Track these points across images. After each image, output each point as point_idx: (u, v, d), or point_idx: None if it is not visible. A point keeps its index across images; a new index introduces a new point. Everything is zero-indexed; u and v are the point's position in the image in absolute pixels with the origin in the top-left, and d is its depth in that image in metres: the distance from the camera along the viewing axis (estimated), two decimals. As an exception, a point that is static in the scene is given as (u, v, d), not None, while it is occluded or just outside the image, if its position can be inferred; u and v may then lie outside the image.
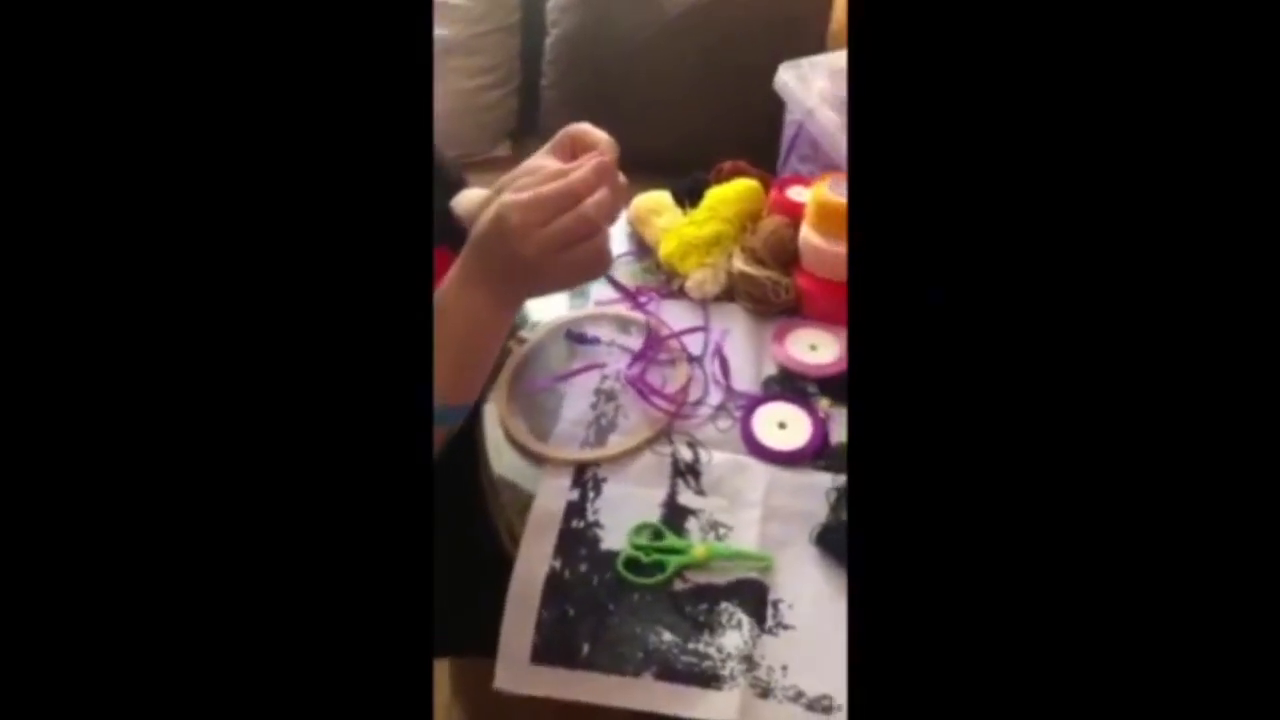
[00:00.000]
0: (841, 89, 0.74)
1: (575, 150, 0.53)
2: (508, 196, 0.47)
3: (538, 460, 0.58)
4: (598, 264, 0.50)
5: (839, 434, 0.59)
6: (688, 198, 0.75)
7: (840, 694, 0.46)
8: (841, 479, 0.56)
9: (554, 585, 0.51)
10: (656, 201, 0.74)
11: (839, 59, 0.78)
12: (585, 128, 0.53)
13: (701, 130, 1.23)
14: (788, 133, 0.79)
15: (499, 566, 0.53)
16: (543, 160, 0.53)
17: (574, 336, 0.66)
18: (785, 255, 0.68)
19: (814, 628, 0.49)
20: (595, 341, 0.66)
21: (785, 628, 0.49)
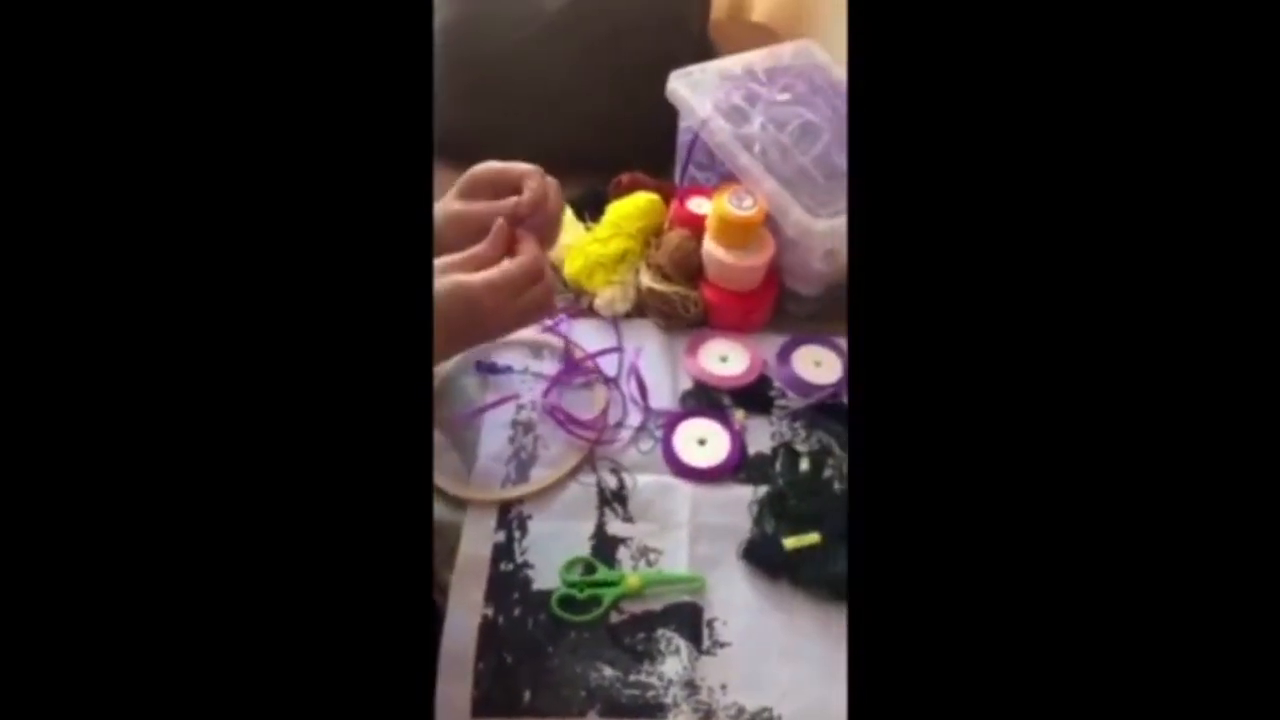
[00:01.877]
0: (734, 96, 0.75)
1: (496, 187, 0.51)
2: (469, 278, 0.45)
3: (458, 504, 0.56)
4: (546, 308, 0.50)
5: (755, 445, 0.61)
6: (588, 211, 0.74)
7: (779, 705, 0.48)
8: (761, 490, 0.58)
9: (488, 634, 0.50)
10: (557, 218, 0.73)
11: (728, 64, 0.79)
12: (498, 167, 0.51)
13: (589, 127, 1.21)
14: (683, 139, 0.79)
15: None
16: (459, 206, 0.50)
17: (484, 367, 0.65)
18: (690, 269, 0.69)
19: (748, 643, 0.51)
20: (507, 370, 0.65)
21: (722, 645, 0.51)
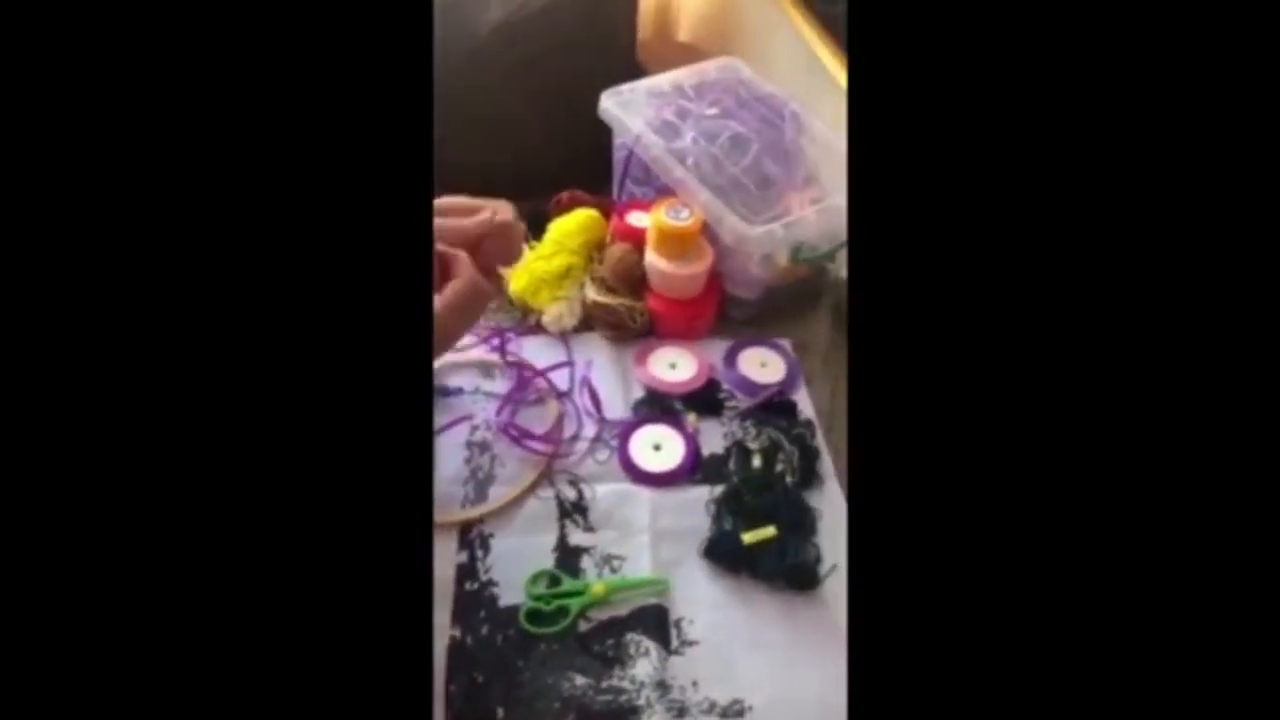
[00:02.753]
0: (665, 112, 0.77)
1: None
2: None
3: (419, 527, 0.56)
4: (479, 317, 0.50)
5: (708, 446, 0.63)
6: (530, 230, 0.75)
7: (750, 695, 0.49)
8: (718, 489, 0.59)
9: (457, 655, 0.50)
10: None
11: (657, 83, 0.82)
12: (461, 202, 0.51)
13: (524, 146, 1.22)
14: (618, 156, 0.81)
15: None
16: None
17: (435, 390, 0.65)
18: (634, 280, 0.71)
19: (715, 638, 0.52)
20: (459, 392, 0.65)
21: (689, 644, 0.52)
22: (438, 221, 0.50)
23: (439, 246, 0.48)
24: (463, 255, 0.48)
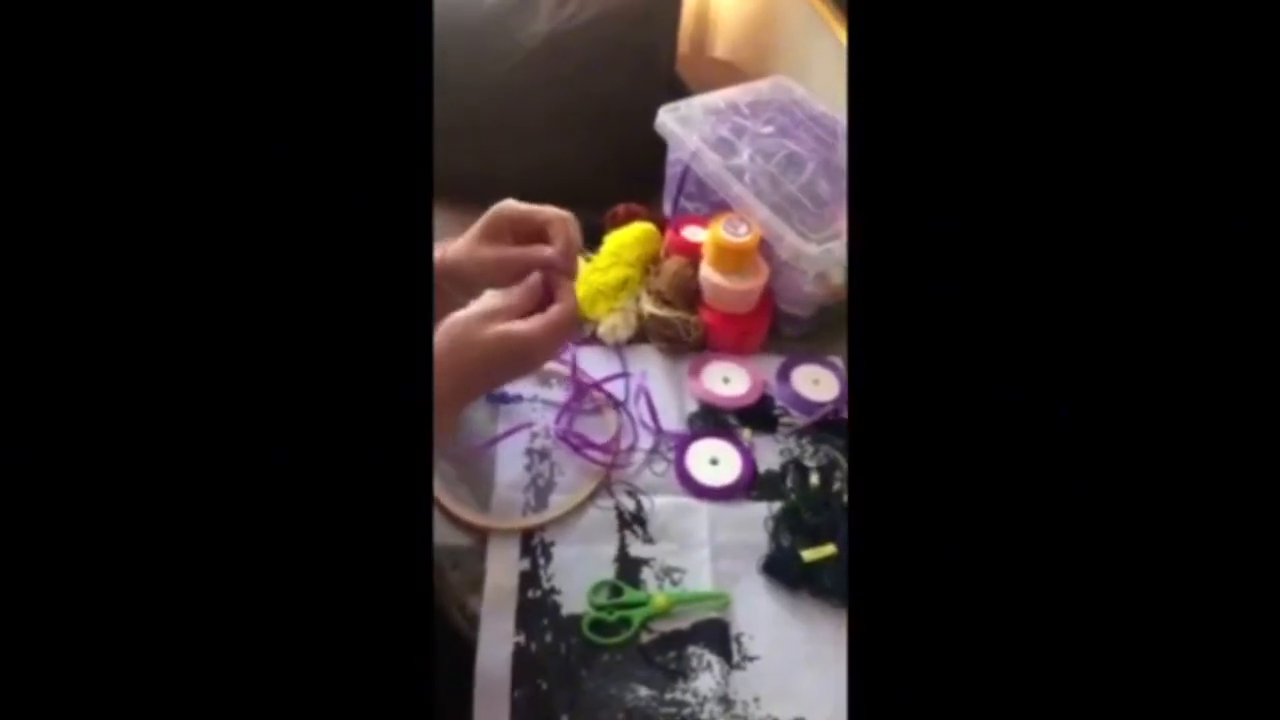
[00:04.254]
0: (720, 129, 0.78)
1: (518, 229, 0.52)
2: (519, 327, 0.47)
3: (481, 533, 0.56)
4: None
5: (765, 462, 0.63)
6: (585, 243, 0.76)
7: (810, 712, 0.49)
8: (775, 505, 0.60)
9: (522, 662, 0.50)
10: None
11: (712, 100, 0.83)
12: (522, 209, 0.52)
13: (569, 159, 1.24)
14: (673, 172, 0.82)
15: (454, 648, 0.52)
16: (488, 250, 0.51)
17: (495, 397, 0.65)
18: (689, 294, 0.71)
19: (776, 655, 0.52)
20: (518, 400, 0.65)
21: (750, 659, 0.52)
22: (517, 252, 0.50)
23: (543, 272, 0.49)
24: (569, 283, 0.49)
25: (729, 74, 1.36)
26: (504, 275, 0.50)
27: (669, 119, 0.78)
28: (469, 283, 0.51)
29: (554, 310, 0.48)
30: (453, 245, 0.51)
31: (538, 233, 0.51)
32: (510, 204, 0.52)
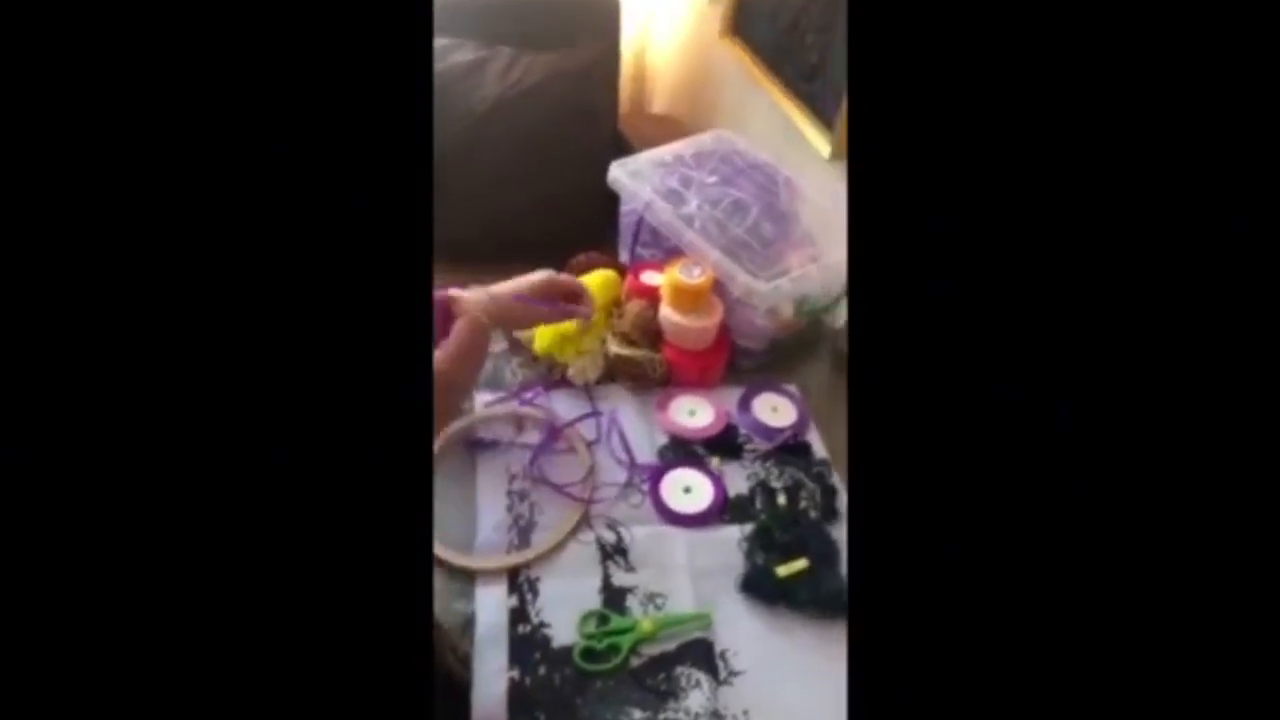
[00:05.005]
0: (669, 181, 0.84)
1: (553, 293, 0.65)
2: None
3: (467, 575, 0.58)
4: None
5: (733, 487, 0.67)
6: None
7: (799, 716, 0.52)
8: (747, 527, 0.63)
9: (517, 696, 0.51)
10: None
11: (659, 154, 0.89)
12: (562, 279, 0.66)
13: (527, 213, 1.28)
14: (628, 221, 0.87)
15: (449, 690, 0.52)
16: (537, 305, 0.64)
17: (471, 443, 0.67)
18: (652, 334, 0.76)
19: (761, 668, 0.55)
20: (494, 444, 0.68)
21: (737, 674, 0.54)
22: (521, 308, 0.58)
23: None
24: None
25: (668, 127, 1.44)
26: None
27: (621, 173, 0.84)
28: (514, 324, 0.66)
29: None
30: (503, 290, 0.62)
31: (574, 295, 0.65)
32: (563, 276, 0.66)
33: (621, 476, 0.66)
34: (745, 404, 0.75)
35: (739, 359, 0.80)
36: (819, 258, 0.78)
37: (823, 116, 0.99)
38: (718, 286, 0.75)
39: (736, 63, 1.20)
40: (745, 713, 0.52)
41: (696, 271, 0.74)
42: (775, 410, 0.75)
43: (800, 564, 0.59)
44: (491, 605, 0.56)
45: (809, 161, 0.99)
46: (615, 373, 0.75)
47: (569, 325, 0.73)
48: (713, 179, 0.85)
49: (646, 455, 0.68)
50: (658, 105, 1.60)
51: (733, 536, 0.62)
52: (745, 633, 0.57)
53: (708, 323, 0.74)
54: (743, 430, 0.72)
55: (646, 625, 0.55)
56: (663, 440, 0.70)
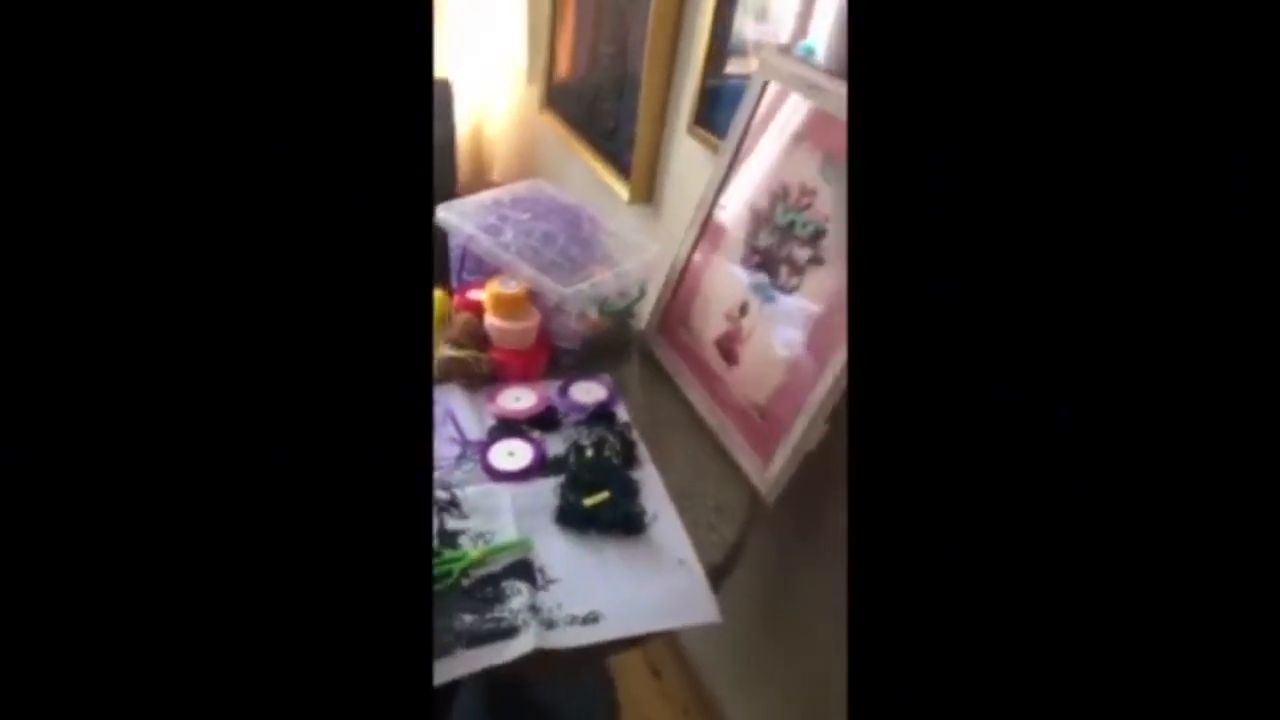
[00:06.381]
0: (488, 218, 0.99)
1: None
2: None
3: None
4: None
5: (552, 450, 0.80)
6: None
7: (602, 607, 0.64)
8: (562, 477, 0.76)
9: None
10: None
11: (480, 198, 1.05)
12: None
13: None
14: (454, 254, 1.02)
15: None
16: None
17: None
18: (478, 338, 0.89)
19: (572, 576, 0.67)
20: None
21: (553, 581, 0.66)
22: None
23: None
24: None
25: (506, 193, 1.63)
26: None
27: (448, 214, 0.99)
28: None
29: None
30: None
31: None
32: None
33: (457, 451, 0.78)
34: (564, 390, 0.89)
35: (560, 358, 0.94)
36: (616, 269, 0.95)
37: (621, 168, 1.20)
38: (534, 297, 0.90)
39: (553, 130, 1.41)
40: (559, 606, 0.64)
41: (513, 284, 0.89)
42: (589, 392, 0.89)
43: (603, 495, 0.73)
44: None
45: (612, 203, 1.19)
46: (449, 374, 0.87)
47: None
48: (526, 215, 1.02)
49: (478, 436, 0.81)
50: (496, 174, 1.79)
51: (550, 485, 0.75)
52: (560, 552, 0.69)
53: (527, 325, 0.89)
54: (561, 410, 0.86)
55: (474, 554, 0.66)
56: (492, 423, 0.83)
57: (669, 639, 1.31)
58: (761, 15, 0.89)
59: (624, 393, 0.91)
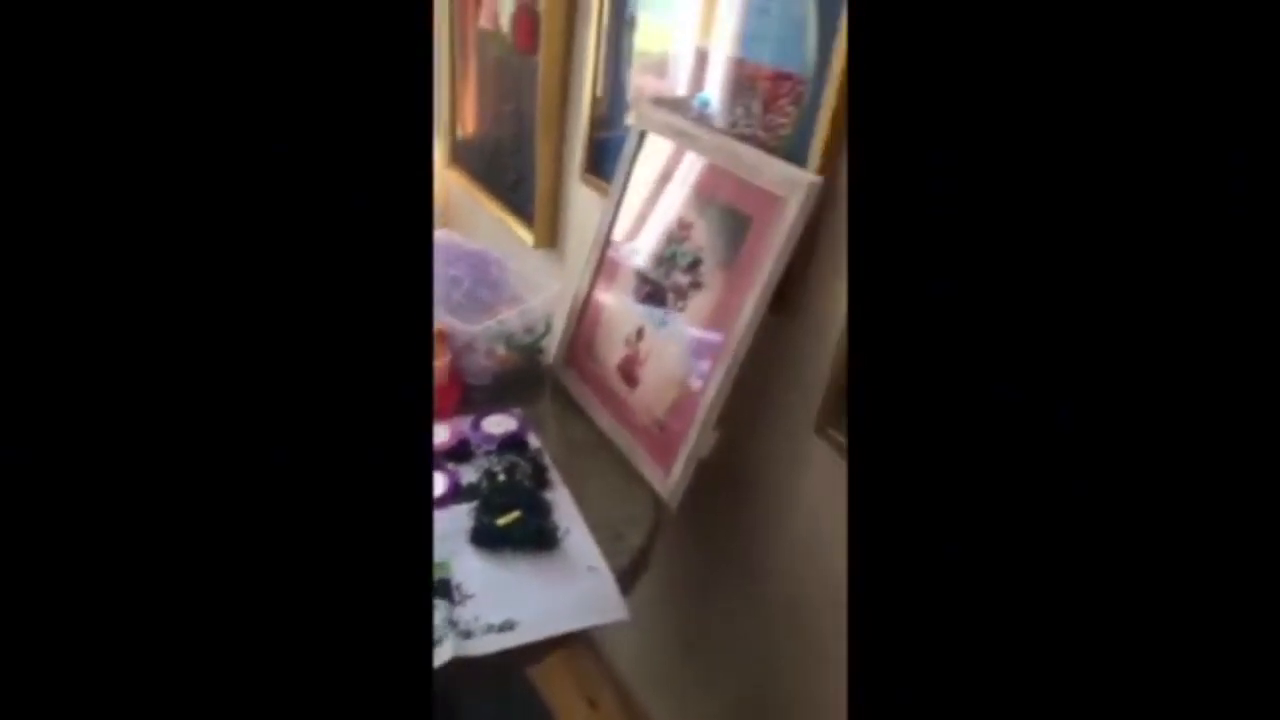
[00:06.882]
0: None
1: None
2: None
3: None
4: None
5: (466, 479, 0.84)
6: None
7: (517, 615, 0.69)
8: (474, 504, 0.80)
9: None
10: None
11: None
12: None
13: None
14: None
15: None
16: None
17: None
18: (392, 380, 0.93)
19: (488, 590, 0.71)
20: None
21: (469, 597, 0.70)
22: None
23: None
24: None
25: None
26: None
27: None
28: None
29: None
30: None
31: None
32: None
33: (372, 487, 0.81)
34: (476, 424, 0.94)
35: (472, 394, 0.99)
36: (520, 307, 1.02)
37: (525, 216, 1.28)
38: (443, 336, 0.95)
39: (459, 185, 1.48)
40: (476, 618, 0.68)
41: (423, 327, 0.94)
42: (500, 425, 0.95)
43: (515, 514, 0.78)
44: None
45: (520, 250, 1.26)
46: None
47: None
48: (436, 263, 1.08)
49: (393, 469, 0.84)
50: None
51: (464, 510, 0.79)
52: (475, 570, 0.73)
53: (438, 364, 0.94)
54: (474, 442, 0.91)
55: (393, 578, 0.70)
56: (407, 457, 0.87)
57: (604, 668, 1.33)
58: (660, 72, 0.98)
59: (537, 422, 0.97)
